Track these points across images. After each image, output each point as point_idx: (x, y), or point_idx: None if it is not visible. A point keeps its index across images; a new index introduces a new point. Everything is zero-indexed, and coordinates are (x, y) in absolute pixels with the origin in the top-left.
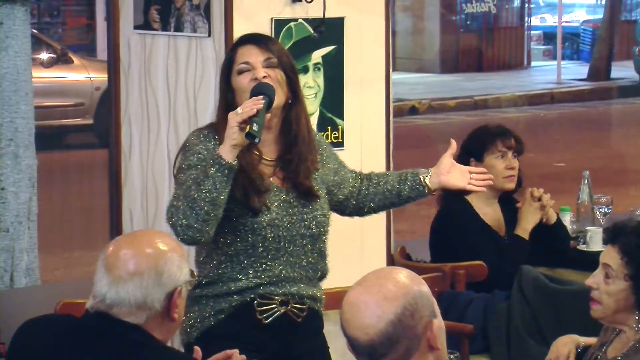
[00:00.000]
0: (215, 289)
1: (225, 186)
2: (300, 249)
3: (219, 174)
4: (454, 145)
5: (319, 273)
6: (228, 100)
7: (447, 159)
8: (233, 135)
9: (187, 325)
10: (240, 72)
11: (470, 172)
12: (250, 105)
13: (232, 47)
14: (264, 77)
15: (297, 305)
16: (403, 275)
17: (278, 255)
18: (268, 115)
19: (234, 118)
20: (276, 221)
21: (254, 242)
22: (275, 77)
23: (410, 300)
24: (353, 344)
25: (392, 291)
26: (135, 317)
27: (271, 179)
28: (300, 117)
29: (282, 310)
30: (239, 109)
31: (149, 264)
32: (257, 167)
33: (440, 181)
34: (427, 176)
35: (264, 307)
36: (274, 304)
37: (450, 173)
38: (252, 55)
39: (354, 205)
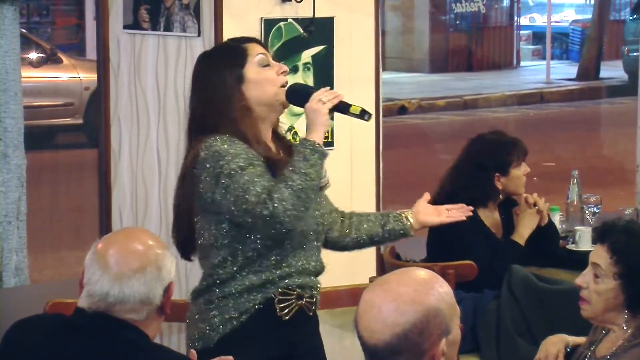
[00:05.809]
0: (237, 287)
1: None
2: (313, 243)
3: (320, 162)
4: (427, 197)
5: (320, 268)
6: (241, 93)
7: (422, 202)
8: (327, 122)
9: (209, 328)
10: (263, 64)
11: (448, 209)
12: (331, 95)
13: (237, 44)
14: (284, 71)
15: (309, 299)
16: (425, 285)
17: (298, 251)
18: None
19: (326, 106)
20: None
21: (283, 237)
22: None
23: (422, 318)
24: (360, 340)
25: (407, 303)
26: (137, 314)
27: None
28: None
29: (299, 304)
30: (322, 96)
31: (149, 259)
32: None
33: (419, 220)
34: (409, 215)
35: (284, 304)
36: (292, 298)
37: (426, 212)
38: (265, 53)
39: (335, 238)
